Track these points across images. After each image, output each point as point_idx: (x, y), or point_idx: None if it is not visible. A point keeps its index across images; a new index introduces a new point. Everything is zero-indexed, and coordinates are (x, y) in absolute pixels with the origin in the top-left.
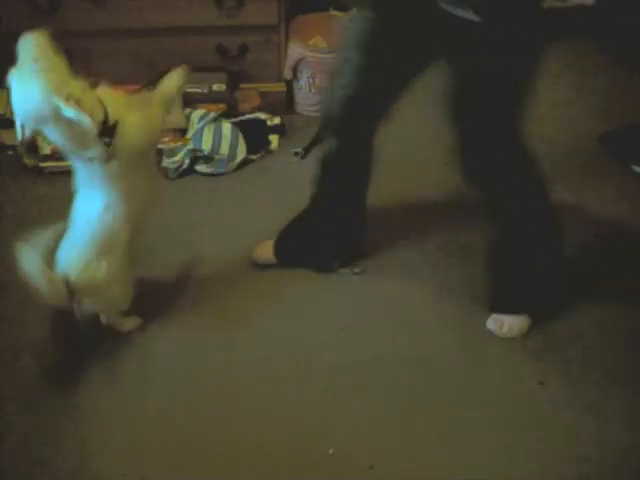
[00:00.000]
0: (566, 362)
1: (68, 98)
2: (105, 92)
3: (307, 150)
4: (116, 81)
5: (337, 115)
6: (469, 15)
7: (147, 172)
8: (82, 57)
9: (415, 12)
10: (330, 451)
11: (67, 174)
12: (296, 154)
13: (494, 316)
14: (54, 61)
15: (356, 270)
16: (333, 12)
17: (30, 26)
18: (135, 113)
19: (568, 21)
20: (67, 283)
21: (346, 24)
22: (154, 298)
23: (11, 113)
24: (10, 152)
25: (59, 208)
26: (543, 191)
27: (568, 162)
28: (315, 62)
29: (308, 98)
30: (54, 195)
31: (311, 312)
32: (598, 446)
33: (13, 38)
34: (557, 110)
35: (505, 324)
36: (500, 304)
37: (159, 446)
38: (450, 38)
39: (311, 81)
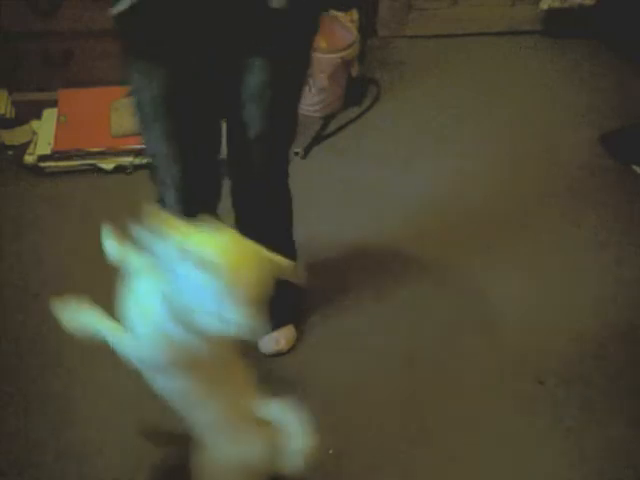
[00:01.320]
0: (566, 362)
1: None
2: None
3: (307, 150)
4: (115, 81)
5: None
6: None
7: None
8: (82, 57)
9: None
10: (330, 451)
11: (67, 174)
12: (296, 154)
13: (265, 337)
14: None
15: None
16: (333, 12)
17: (30, 26)
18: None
19: (568, 21)
20: None
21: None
22: None
23: (11, 113)
24: (10, 152)
25: (59, 208)
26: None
27: (568, 162)
28: (315, 62)
29: (308, 98)
30: (54, 195)
31: None
32: (598, 446)
33: (13, 38)
34: (557, 110)
35: (281, 339)
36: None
37: None
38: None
39: (311, 81)
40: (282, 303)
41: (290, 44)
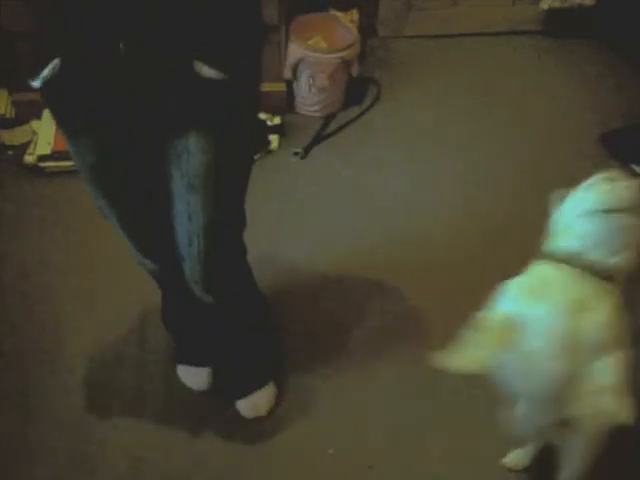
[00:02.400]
0: None
1: None
2: None
3: (307, 150)
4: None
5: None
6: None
7: None
8: None
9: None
10: (330, 451)
11: (67, 174)
12: (296, 154)
13: (242, 402)
14: None
15: None
16: (333, 12)
17: (30, 26)
18: None
19: (568, 21)
20: None
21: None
22: None
23: (11, 113)
24: (10, 152)
25: (59, 208)
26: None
27: (568, 162)
28: (315, 62)
29: (308, 98)
30: (54, 195)
31: None
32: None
33: (13, 38)
34: (557, 110)
35: (259, 402)
36: (240, 389)
37: None
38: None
39: (311, 81)
40: (261, 360)
41: (229, 118)
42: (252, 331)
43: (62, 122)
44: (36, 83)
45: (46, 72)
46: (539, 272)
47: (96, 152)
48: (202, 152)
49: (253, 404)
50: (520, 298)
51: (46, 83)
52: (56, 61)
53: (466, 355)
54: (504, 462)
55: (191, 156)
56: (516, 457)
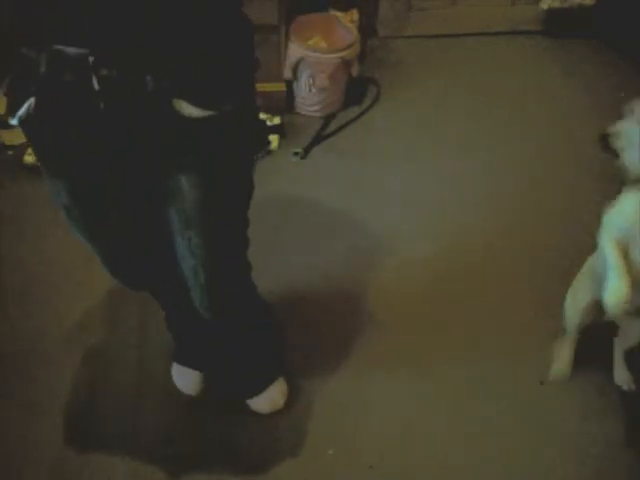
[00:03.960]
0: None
1: None
2: None
3: (307, 150)
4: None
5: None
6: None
7: None
8: None
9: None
10: (330, 451)
11: None
12: (296, 154)
13: (258, 399)
14: None
15: None
16: (333, 12)
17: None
18: None
19: (568, 21)
20: None
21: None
22: None
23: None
24: (10, 152)
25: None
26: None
27: (568, 162)
28: (315, 62)
29: (308, 98)
30: None
31: None
32: (598, 446)
33: (13, 38)
34: (557, 110)
35: (275, 396)
36: (254, 386)
37: None
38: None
39: (311, 81)
40: (267, 359)
41: (223, 153)
42: (256, 331)
43: (40, 159)
44: (13, 121)
45: (22, 111)
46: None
47: (70, 195)
48: (197, 189)
49: (269, 399)
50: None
51: (23, 121)
52: (31, 100)
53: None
54: (550, 378)
55: (185, 194)
56: (557, 369)
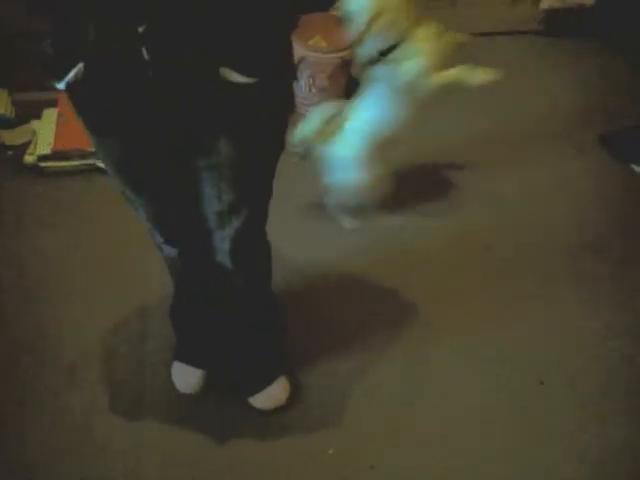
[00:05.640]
0: (566, 362)
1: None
2: None
3: (307, 150)
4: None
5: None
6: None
7: None
8: None
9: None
10: (330, 451)
11: (67, 174)
12: (296, 154)
13: (260, 395)
14: None
15: None
16: (333, 12)
17: (30, 26)
18: None
19: (568, 21)
20: None
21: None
22: None
23: (11, 113)
24: (10, 152)
25: (59, 208)
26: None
27: (568, 162)
28: (315, 62)
29: (308, 98)
30: (54, 195)
31: None
32: (598, 446)
33: (13, 38)
34: (557, 110)
35: (277, 393)
36: (256, 383)
37: None
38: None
39: (311, 81)
40: (271, 355)
41: (260, 119)
42: (264, 324)
43: (87, 122)
44: (60, 86)
45: (70, 76)
46: None
47: (120, 150)
48: (233, 149)
49: (272, 395)
50: None
51: (70, 86)
52: (80, 65)
53: None
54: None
55: (221, 154)
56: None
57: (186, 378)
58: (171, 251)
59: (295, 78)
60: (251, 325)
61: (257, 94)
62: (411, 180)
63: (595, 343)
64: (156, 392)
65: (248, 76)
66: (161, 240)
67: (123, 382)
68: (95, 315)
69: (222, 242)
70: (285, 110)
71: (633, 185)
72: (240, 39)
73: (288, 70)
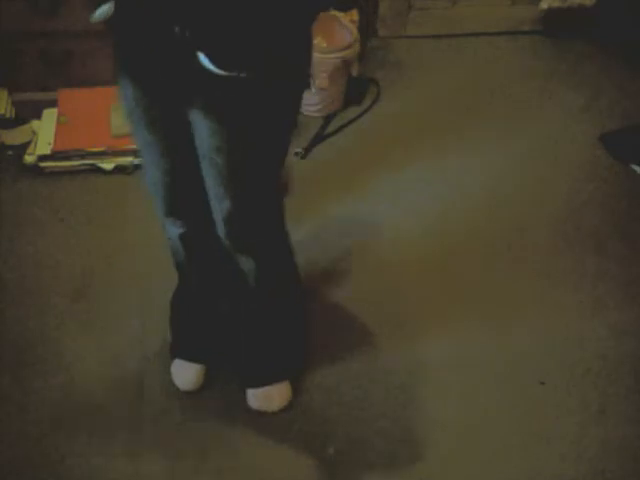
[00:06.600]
0: (566, 363)
1: None
2: None
3: (307, 150)
4: (115, 81)
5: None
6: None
7: None
8: (82, 57)
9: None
10: (330, 451)
11: (67, 174)
12: (296, 154)
13: (254, 392)
14: None
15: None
16: (333, 12)
17: (30, 26)
18: None
19: (568, 21)
20: None
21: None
22: None
23: (11, 113)
24: (10, 152)
25: (59, 208)
26: (292, 254)
27: (568, 162)
28: (315, 62)
29: (308, 98)
30: (54, 195)
31: None
32: (599, 446)
33: (13, 38)
34: (557, 110)
35: (272, 396)
36: (261, 377)
37: None
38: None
39: (311, 81)
40: (281, 353)
41: (243, 105)
42: (285, 319)
43: (115, 60)
44: (97, 17)
45: (97, 13)
46: None
47: (134, 91)
48: (214, 135)
49: (266, 396)
50: None
51: (105, 21)
52: (110, 4)
53: None
54: None
55: (204, 137)
56: None
57: (185, 375)
58: (174, 231)
59: (307, 86)
60: (259, 316)
61: (258, 89)
62: None
63: (595, 343)
64: (156, 393)
65: (219, 68)
66: (165, 213)
67: (123, 381)
68: (94, 314)
69: (219, 221)
70: (290, 111)
71: (633, 185)
72: (220, 29)
73: (295, 75)
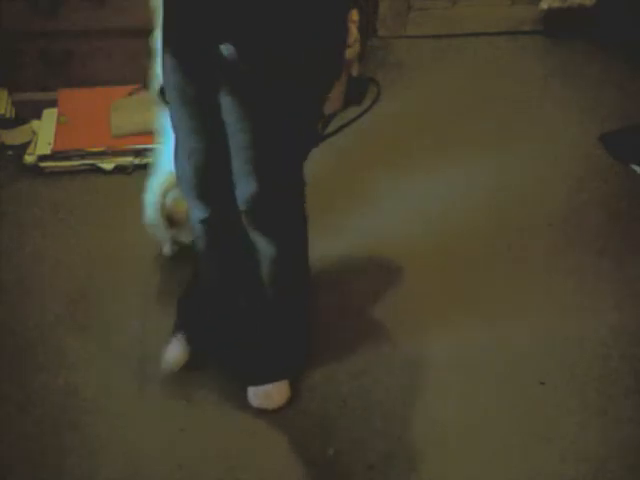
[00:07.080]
0: (567, 363)
1: None
2: None
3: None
4: (115, 81)
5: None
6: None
7: None
8: (82, 57)
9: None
10: (330, 451)
11: (67, 174)
12: None
13: (254, 389)
14: None
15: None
16: None
17: (30, 26)
18: None
19: (568, 21)
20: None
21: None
22: None
23: (11, 113)
24: (10, 152)
25: (59, 208)
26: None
27: (568, 162)
28: None
29: None
30: (54, 195)
31: None
32: (599, 446)
33: (13, 38)
34: (557, 110)
35: (272, 394)
36: (262, 375)
37: None
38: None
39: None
40: (283, 352)
41: (255, 90)
42: (290, 317)
43: (162, 31)
44: None
45: None
46: None
47: (177, 70)
48: (232, 113)
49: (266, 394)
50: None
51: None
52: None
53: None
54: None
55: (226, 113)
56: None
57: (173, 352)
58: (198, 215)
59: (338, 76)
60: (266, 314)
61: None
62: None
63: (595, 343)
64: (156, 393)
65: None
66: (193, 195)
67: (123, 381)
68: (95, 315)
69: (244, 202)
70: (316, 100)
71: (633, 185)
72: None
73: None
